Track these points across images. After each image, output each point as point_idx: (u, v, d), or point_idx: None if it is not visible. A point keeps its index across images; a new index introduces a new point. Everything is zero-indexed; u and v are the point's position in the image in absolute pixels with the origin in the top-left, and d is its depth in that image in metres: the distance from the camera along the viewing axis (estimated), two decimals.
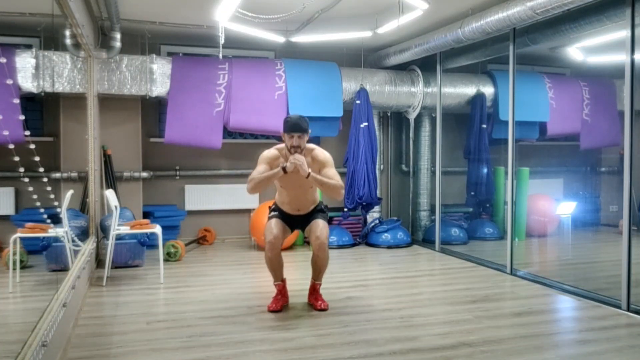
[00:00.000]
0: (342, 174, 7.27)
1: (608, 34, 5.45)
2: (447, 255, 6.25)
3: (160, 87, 6.11)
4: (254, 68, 6.45)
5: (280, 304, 4.13)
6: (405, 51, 6.48)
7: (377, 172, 6.99)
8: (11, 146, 2.70)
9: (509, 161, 5.35)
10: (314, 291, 4.25)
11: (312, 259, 4.16)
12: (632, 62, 4.11)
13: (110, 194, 5.11)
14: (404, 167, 7.67)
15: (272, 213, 4.25)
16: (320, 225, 4.06)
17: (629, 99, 4.13)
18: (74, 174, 6.02)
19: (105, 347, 3.28)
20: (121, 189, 6.31)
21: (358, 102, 6.67)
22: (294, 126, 3.96)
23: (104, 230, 5.49)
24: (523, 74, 6.43)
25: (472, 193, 7.02)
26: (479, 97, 6.99)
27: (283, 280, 4.26)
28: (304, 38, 6.07)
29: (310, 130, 4.03)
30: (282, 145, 4.11)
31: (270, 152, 4.11)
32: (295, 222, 4.23)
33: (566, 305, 4.35)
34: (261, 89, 6.34)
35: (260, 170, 4.00)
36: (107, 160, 6.19)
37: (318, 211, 4.24)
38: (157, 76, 6.10)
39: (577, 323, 3.98)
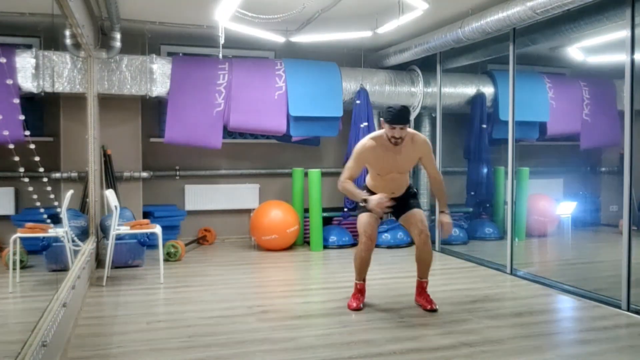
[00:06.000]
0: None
1: (608, 34, 5.45)
2: (447, 255, 6.25)
3: (160, 87, 6.11)
4: (254, 68, 6.45)
5: (361, 302, 4.14)
6: (405, 51, 6.48)
7: None
8: (11, 146, 2.70)
9: (509, 161, 5.35)
10: (422, 291, 4.17)
11: (416, 255, 4.15)
12: (632, 62, 4.11)
13: (110, 194, 5.11)
14: None
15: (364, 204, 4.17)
16: (419, 218, 4.05)
17: (629, 99, 4.13)
18: (74, 174, 6.02)
19: (105, 347, 3.28)
20: (121, 189, 6.31)
21: (358, 102, 6.67)
22: (398, 117, 3.76)
23: (104, 230, 5.49)
24: (523, 74, 6.42)
25: (472, 193, 7.02)
26: (479, 97, 6.99)
27: (364, 280, 4.23)
28: (304, 38, 6.07)
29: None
30: (379, 132, 3.97)
31: (366, 145, 3.92)
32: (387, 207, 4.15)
33: (566, 305, 4.35)
34: (261, 89, 6.34)
35: (353, 169, 3.92)
36: (107, 160, 6.19)
37: (411, 196, 4.18)
38: (157, 76, 6.10)
39: (577, 323, 3.98)
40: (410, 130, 4.00)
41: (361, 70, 6.86)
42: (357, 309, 4.07)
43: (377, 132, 4.03)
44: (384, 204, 3.78)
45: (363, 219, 4.10)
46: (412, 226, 4.09)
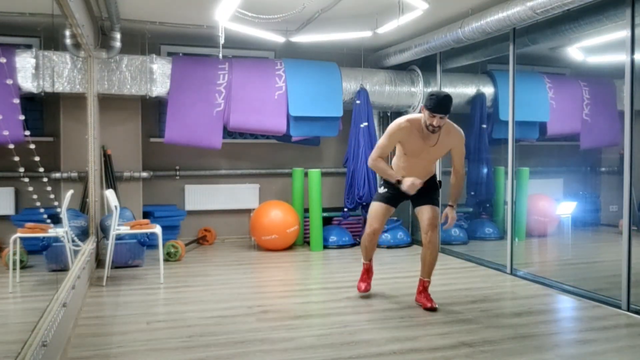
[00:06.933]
0: (341, 174, 7.33)
1: (608, 34, 5.45)
2: (447, 255, 6.25)
3: (160, 87, 6.11)
4: (254, 68, 6.45)
5: (368, 284, 4.44)
6: (405, 51, 6.48)
7: None
8: (11, 146, 2.70)
9: (509, 161, 5.35)
10: (423, 290, 4.18)
11: (421, 254, 4.17)
12: (632, 62, 4.11)
13: (110, 194, 5.11)
14: None
15: (383, 189, 4.22)
16: (431, 216, 4.04)
17: (629, 99, 4.13)
18: (74, 174, 6.02)
19: (105, 347, 3.28)
20: (121, 189, 6.31)
21: (358, 102, 6.67)
22: (440, 106, 3.73)
23: (104, 230, 5.49)
24: (523, 74, 6.42)
25: (472, 193, 7.02)
26: (479, 97, 6.99)
27: (370, 260, 4.49)
28: (304, 38, 6.07)
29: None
30: (417, 116, 3.96)
31: (402, 125, 3.91)
32: (405, 193, 4.13)
33: (566, 305, 4.35)
34: (261, 89, 6.34)
35: (385, 147, 3.96)
36: (107, 160, 6.19)
37: (432, 189, 4.17)
38: (157, 76, 6.10)
39: (577, 323, 3.98)
40: (449, 121, 3.95)
41: (361, 70, 6.86)
42: (365, 291, 4.40)
43: (415, 115, 4.01)
44: (417, 186, 3.86)
45: (374, 209, 4.22)
46: (422, 222, 4.12)
